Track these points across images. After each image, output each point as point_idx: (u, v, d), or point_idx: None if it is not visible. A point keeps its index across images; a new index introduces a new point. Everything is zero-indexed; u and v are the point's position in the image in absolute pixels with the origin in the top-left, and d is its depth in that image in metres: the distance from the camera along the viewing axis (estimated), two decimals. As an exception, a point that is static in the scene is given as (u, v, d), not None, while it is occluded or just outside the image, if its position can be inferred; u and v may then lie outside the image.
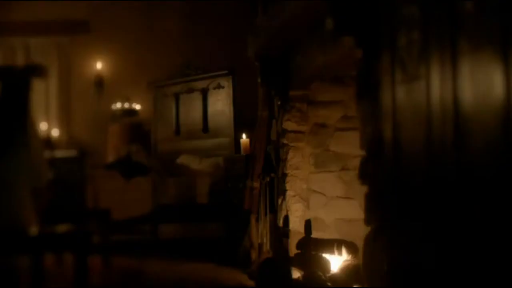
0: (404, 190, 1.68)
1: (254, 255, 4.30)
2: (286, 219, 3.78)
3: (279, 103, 4.05)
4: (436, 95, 1.42)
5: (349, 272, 3.04)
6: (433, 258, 1.55)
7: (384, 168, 1.86)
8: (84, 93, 8.03)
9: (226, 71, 6.87)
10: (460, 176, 1.35)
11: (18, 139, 2.93)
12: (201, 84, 7.15)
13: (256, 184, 4.38)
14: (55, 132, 7.79)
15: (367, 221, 2.23)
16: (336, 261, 3.19)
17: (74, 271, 2.54)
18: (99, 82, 8.01)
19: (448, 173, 1.39)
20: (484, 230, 1.32)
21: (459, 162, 1.34)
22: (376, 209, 2.10)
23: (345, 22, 2.17)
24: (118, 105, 7.76)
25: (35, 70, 3.25)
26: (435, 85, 1.42)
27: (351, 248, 3.18)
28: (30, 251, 2.64)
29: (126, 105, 7.77)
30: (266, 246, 4.08)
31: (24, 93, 3.06)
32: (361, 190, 2.32)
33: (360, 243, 3.16)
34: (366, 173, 2.23)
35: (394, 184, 1.77)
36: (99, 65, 8.03)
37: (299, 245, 3.42)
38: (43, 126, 7.67)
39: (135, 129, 7.51)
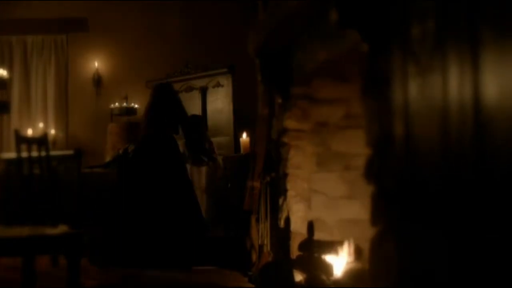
0: (417, 191, 1.59)
1: (254, 256, 4.21)
2: (288, 220, 3.69)
3: (279, 101, 3.95)
4: (454, 90, 1.32)
5: (353, 275, 2.95)
6: (448, 264, 1.45)
7: (394, 167, 1.77)
8: (82, 91, 7.96)
9: (225, 70, 6.79)
10: (480, 178, 1.25)
11: None
12: (200, 83, 7.07)
13: (257, 184, 4.30)
14: (52, 131, 7.70)
15: (373, 222, 2.14)
16: (340, 264, 3.10)
17: (67, 273, 2.46)
18: (97, 80, 7.94)
19: (466, 174, 1.29)
20: (505, 236, 1.22)
21: (480, 163, 1.24)
22: (383, 209, 2.00)
23: (350, 14, 2.08)
24: (117, 104, 7.69)
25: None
26: (453, 79, 1.32)
27: (356, 250, 3.08)
28: (22, 252, 2.56)
29: (125, 104, 7.69)
30: (267, 248, 3.99)
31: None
32: (365, 190, 2.23)
33: (363, 245, 3.08)
34: (372, 172, 2.14)
35: (405, 184, 1.67)
36: (97, 64, 7.95)
37: (301, 246, 3.33)
38: (40, 125, 7.60)
39: (134, 128, 7.43)
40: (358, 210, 3.42)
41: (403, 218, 1.76)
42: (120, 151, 6.47)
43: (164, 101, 5.30)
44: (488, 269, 1.31)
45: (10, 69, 7.70)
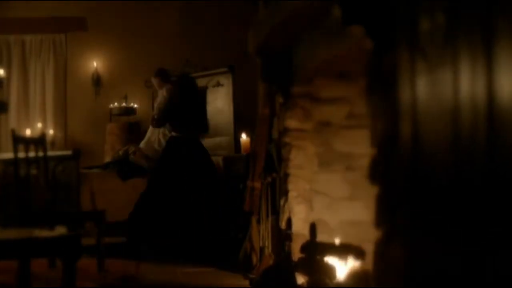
0: (426, 192, 1.52)
1: (255, 258, 4.15)
2: (289, 221, 3.63)
3: (281, 100, 3.89)
4: (466, 88, 1.25)
5: (357, 278, 2.89)
6: (459, 268, 1.39)
7: (400, 167, 1.70)
8: (81, 91, 7.90)
9: (225, 69, 6.73)
10: (493, 181, 1.19)
11: None
12: (200, 82, 6.99)
13: (257, 185, 4.24)
14: (51, 132, 7.64)
15: (378, 223, 2.08)
16: (343, 267, 3.04)
17: (62, 276, 2.40)
18: (96, 80, 7.88)
19: (479, 176, 1.22)
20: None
21: (493, 165, 1.18)
22: (389, 211, 1.94)
23: (354, 9, 2.02)
24: (116, 103, 7.63)
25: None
26: (464, 76, 1.26)
27: (359, 252, 3.02)
28: (15, 255, 2.49)
29: (124, 104, 7.63)
30: (268, 249, 3.92)
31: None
32: (368, 191, 2.17)
33: (366, 247, 3.01)
34: (377, 173, 2.08)
35: (413, 186, 1.61)
36: (96, 63, 7.89)
37: (304, 248, 3.26)
38: (38, 125, 7.54)
39: (133, 128, 7.38)
40: (361, 211, 3.36)
41: (410, 220, 1.70)
42: (120, 152, 6.42)
43: (190, 97, 5.60)
44: (499, 272, 1.25)
45: (8, 68, 7.64)
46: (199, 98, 5.85)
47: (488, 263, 1.28)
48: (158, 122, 5.83)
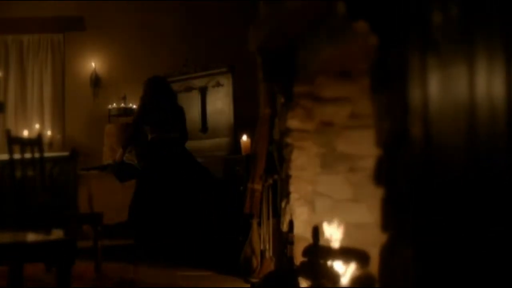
0: (436, 194, 1.45)
1: (255, 262, 4.07)
2: (291, 223, 3.55)
3: (282, 100, 3.82)
4: (482, 84, 1.18)
5: (361, 283, 2.81)
6: (470, 270, 1.31)
7: (410, 168, 1.63)
8: (80, 92, 7.83)
9: (225, 69, 6.66)
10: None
11: None
12: (199, 83, 6.94)
13: (258, 186, 4.17)
14: (49, 133, 7.58)
15: (384, 227, 2.00)
16: (346, 271, 2.96)
17: (57, 282, 2.33)
18: (95, 80, 7.82)
19: (498, 177, 1.15)
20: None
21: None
22: (396, 213, 1.87)
23: (359, 4, 1.94)
24: (114, 104, 7.56)
25: None
26: (481, 72, 1.18)
27: (363, 256, 2.94)
28: (6, 261, 2.41)
29: (123, 105, 7.57)
30: (269, 253, 3.85)
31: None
32: (371, 192, 2.11)
33: (370, 250, 2.94)
34: (382, 174, 2.00)
35: (422, 186, 1.53)
36: (95, 63, 7.82)
37: (306, 252, 3.18)
38: (36, 126, 7.48)
39: (132, 129, 7.30)
40: (365, 213, 3.29)
41: (420, 222, 1.63)
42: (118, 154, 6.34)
43: (162, 98, 5.66)
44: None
45: (5, 68, 7.57)
46: (174, 101, 5.84)
47: (499, 265, 1.22)
48: (132, 125, 5.84)
